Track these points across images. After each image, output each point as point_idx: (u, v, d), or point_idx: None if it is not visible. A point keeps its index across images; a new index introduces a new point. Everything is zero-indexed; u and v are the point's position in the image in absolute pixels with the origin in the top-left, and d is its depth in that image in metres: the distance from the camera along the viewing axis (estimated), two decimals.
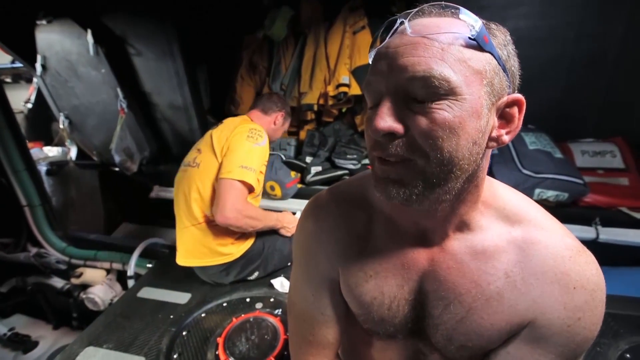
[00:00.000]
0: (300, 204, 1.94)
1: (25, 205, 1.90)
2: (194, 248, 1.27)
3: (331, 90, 1.96)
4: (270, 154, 2.07)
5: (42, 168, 2.34)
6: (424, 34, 0.36)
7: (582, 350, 0.44)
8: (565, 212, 1.59)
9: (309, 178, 1.97)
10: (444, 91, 0.35)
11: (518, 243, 0.44)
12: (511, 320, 0.44)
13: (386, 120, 0.36)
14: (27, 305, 2.08)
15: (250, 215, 1.20)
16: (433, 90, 0.35)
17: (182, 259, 1.29)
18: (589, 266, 0.43)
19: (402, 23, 0.37)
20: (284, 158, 2.06)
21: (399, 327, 0.51)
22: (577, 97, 1.88)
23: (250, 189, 1.20)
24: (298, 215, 1.49)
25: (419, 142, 0.36)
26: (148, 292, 1.31)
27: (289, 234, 1.41)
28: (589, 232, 1.50)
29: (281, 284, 1.28)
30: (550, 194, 1.58)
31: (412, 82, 0.35)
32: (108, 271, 1.88)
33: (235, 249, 1.27)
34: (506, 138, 0.40)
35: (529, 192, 1.58)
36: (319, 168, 1.98)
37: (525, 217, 0.45)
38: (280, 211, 1.48)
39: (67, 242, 1.98)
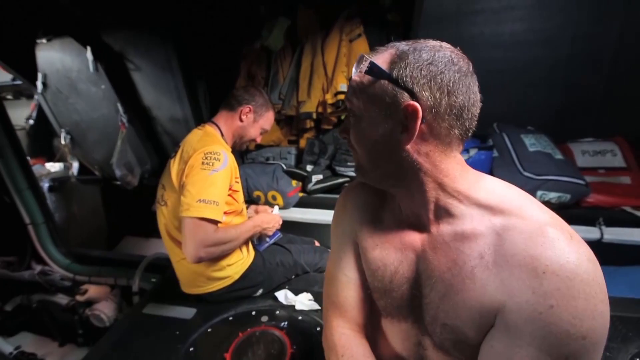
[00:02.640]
0: (302, 213, 1.94)
1: (28, 224, 1.91)
2: (191, 279, 1.25)
3: (329, 98, 1.97)
4: (270, 164, 2.10)
5: (45, 184, 2.34)
6: (355, 72, 0.52)
7: (569, 350, 0.40)
8: (568, 213, 1.58)
9: (310, 186, 1.97)
10: (353, 111, 0.53)
11: (496, 229, 0.47)
12: (481, 300, 0.46)
13: (341, 129, 0.58)
14: (32, 323, 2.07)
15: (224, 240, 1.13)
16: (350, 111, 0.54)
17: (184, 288, 1.29)
18: (563, 253, 0.41)
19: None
20: (284, 167, 2.06)
21: (398, 302, 0.59)
22: (575, 97, 1.88)
23: (216, 222, 1.10)
24: (276, 211, 1.44)
25: (352, 141, 0.56)
26: (153, 308, 1.30)
27: (271, 232, 1.36)
28: (593, 233, 1.49)
29: (285, 296, 1.27)
30: (552, 196, 1.57)
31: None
32: (113, 287, 1.88)
33: (232, 271, 1.24)
34: (404, 139, 0.48)
35: (530, 195, 1.57)
36: (320, 176, 1.98)
37: (508, 208, 0.48)
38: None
39: (71, 259, 1.98)
